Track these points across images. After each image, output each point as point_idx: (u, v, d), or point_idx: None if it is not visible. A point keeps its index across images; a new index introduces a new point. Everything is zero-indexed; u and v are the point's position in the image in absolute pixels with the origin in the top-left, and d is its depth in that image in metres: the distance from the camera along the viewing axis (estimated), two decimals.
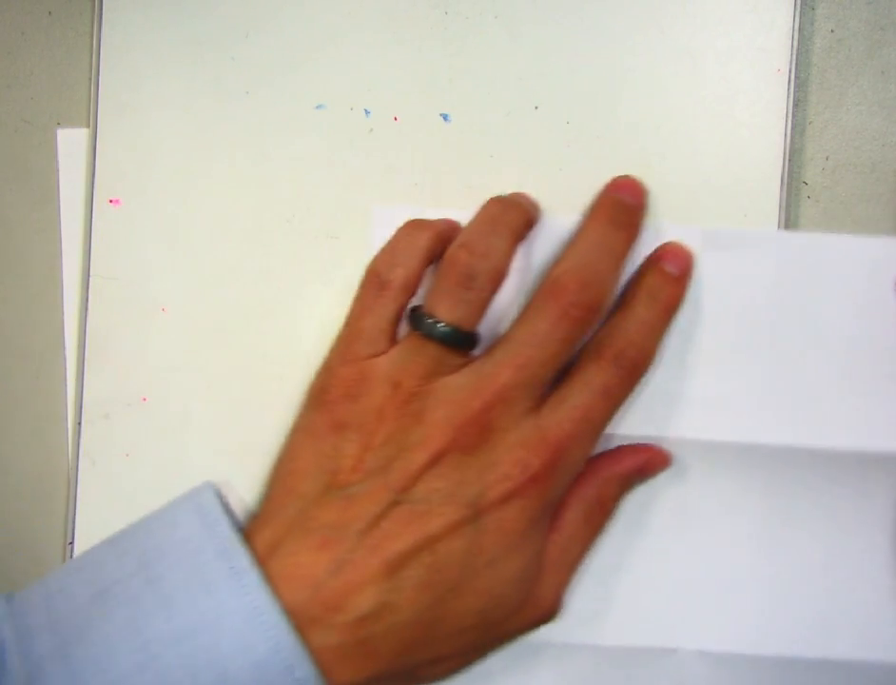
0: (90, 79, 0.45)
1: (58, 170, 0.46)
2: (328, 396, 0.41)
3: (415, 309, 0.41)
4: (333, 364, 0.41)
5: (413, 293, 0.41)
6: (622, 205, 0.42)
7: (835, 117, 0.44)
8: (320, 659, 0.37)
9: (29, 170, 0.46)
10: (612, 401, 0.40)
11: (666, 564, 0.44)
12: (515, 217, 0.41)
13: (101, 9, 0.44)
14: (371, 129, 0.44)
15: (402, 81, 0.44)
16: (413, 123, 0.44)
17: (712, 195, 0.43)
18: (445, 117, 0.44)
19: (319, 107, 0.44)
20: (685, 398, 0.43)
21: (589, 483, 0.42)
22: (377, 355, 0.40)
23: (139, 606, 0.37)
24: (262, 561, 0.38)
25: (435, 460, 0.39)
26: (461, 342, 0.40)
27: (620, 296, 0.42)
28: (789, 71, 0.43)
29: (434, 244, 0.41)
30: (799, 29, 0.43)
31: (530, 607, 0.40)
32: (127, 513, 0.44)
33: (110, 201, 0.45)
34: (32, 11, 0.46)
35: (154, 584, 0.38)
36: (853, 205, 0.44)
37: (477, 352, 0.41)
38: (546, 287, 0.40)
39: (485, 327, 0.41)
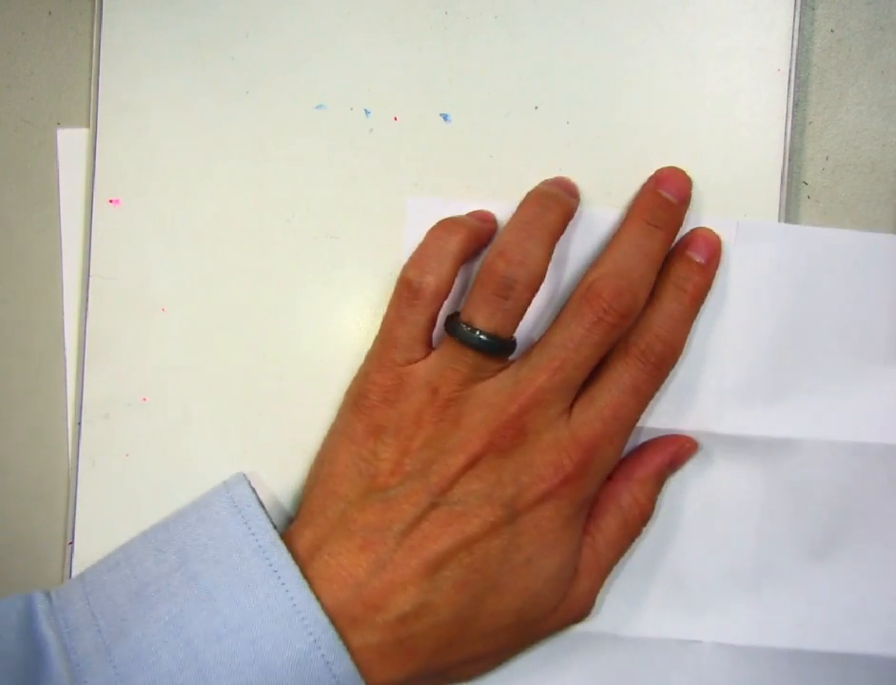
0: (90, 79, 0.45)
1: (58, 170, 0.46)
2: (366, 401, 0.41)
3: (452, 317, 0.41)
4: (370, 370, 0.42)
5: (445, 298, 0.42)
6: (663, 203, 0.42)
7: (835, 117, 0.44)
8: (359, 657, 0.38)
9: (29, 170, 0.46)
10: (641, 397, 0.41)
11: (688, 557, 0.44)
12: (552, 219, 0.41)
13: (101, 8, 0.44)
14: (371, 129, 0.44)
15: (402, 81, 0.44)
16: (413, 123, 0.44)
17: (713, 194, 0.43)
18: (445, 117, 0.44)
19: (319, 107, 0.44)
20: (708, 390, 0.43)
21: (623, 488, 0.42)
22: (413, 361, 0.41)
23: (179, 604, 0.38)
24: (304, 562, 0.39)
25: (472, 463, 0.39)
26: (499, 349, 0.40)
27: None
28: (789, 71, 0.43)
29: (466, 246, 0.42)
30: (799, 28, 0.43)
31: (564, 608, 0.41)
32: (127, 513, 0.45)
33: (110, 201, 0.45)
34: (32, 11, 0.46)
35: (194, 581, 0.38)
36: (853, 205, 0.44)
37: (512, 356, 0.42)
38: (581, 293, 0.40)
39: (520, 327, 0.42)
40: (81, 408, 0.45)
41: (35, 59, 0.46)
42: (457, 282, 0.42)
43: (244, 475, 0.43)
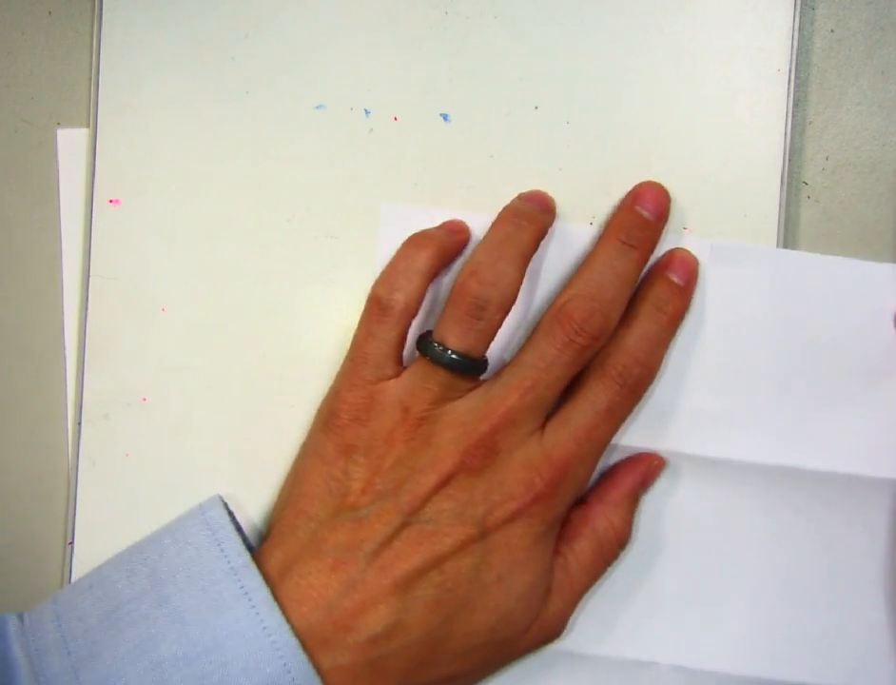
0: (90, 79, 0.45)
1: (58, 170, 0.46)
2: (337, 420, 0.41)
3: (424, 336, 0.41)
4: (340, 389, 0.42)
5: (414, 315, 0.42)
6: (639, 222, 0.42)
7: (835, 117, 0.44)
8: (330, 680, 0.37)
9: (29, 170, 0.46)
10: (615, 419, 0.41)
11: (651, 577, 0.44)
12: (525, 238, 0.41)
13: (101, 8, 0.44)
14: (371, 129, 0.44)
15: (402, 81, 0.44)
16: (413, 123, 0.44)
17: (712, 195, 0.43)
18: (445, 117, 0.44)
19: (319, 107, 0.44)
20: (681, 411, 0.43)
21: (598, 511, 0.42)
22: (383, 379, 0.41)
23: (149, 626, 0.38)
24: (274, 583, 0.39)
25: (444, 482, 0.39)
26: (471, 369, 0.40)
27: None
28: (789, 71, 0.43)
29: (435, 262, 0.42)
30: (799, 28, 0.43)
31: (536, 627, 0.41)
32: (128, 513, 0.45)
33: (110, 201, 0.45)
34: (32, 11, 0.46)
35: (164, 604, 0.38)
36: (853, 205, 0.44)
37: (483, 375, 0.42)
38: (553, 313, 0.41)
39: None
40: (81, 408, 0.45)
41: (35, 59, 0.46)
42: (427, 297, 0.42)
43: (220, 497, 0.42)
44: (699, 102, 0.43)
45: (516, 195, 0.43)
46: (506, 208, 0.42)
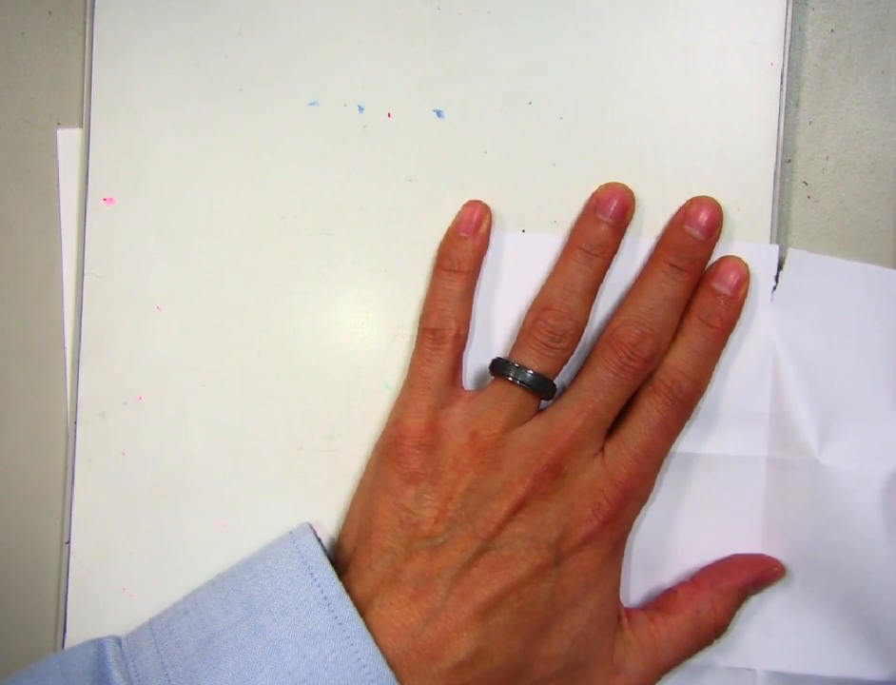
0: (83, 78, 0.45)
1: (58, 170, 0.46)
2: (400, 449, 0.42)
3: (498, 360, 0.42)
4: (402, 417, 0.42)
5: (466, 338, 0.43)
6: (689, 243, 0.42)
7: (835, 117, 0.44)
8: None
9: (29, 170, 0.46)
10: (669, 434, 0.41)
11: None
12: (593, 271, 0.42)
13: (93, 7, 0.45)
14: (365, 126, 0.44)
15: (396, 77, 0.44)
16: (406, 119, 0.44)
17: (706, 188, 0.43)
18: (439, 113, 0.44)
19: (312, 103, 0.44)
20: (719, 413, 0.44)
21: (705, 595, 0.43)
22: (446, 406, 0.42)
23: (246, 656, 0.38)
24: (364, 612, 0.39)
25: (517, 507, 0.40)
26: (546, 388, 0.41)
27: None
28: (783, 65, 0.42)
29: (470, 284, 0.43)
30: (792, 21, 0.43)
31: (613, 671, 0.41)
32: (124, 511, 0.45)
33: (104, 199, 0.45)
34: (32, 11, 0.46)
35: (260, 634, 0.38)
36: (853, 205, 0.44)
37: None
38: (605, 339, 0.41)
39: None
40: (77, 407, 0.45)
41: (35, 59, 0.46)
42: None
43: (310, 525, 0.43)
44: (692, 96, 0.43)
45: (599, 189, 0.43)
46: (579, 231, 0.43)
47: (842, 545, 0.43)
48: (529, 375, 0.41)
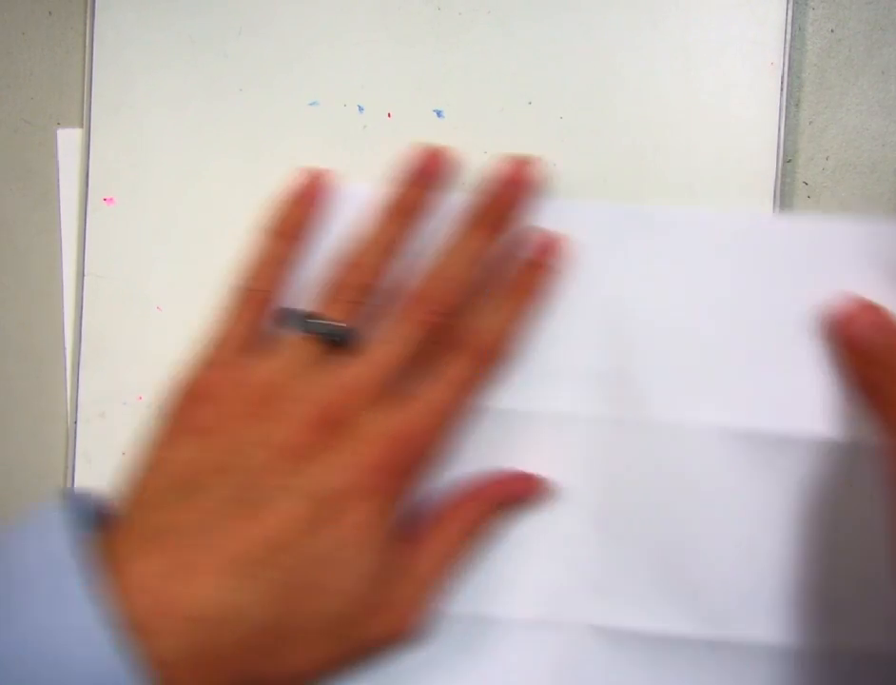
0: (83, 78, 0.45)
1: (58, 170, 0.46)
2: (183, 402, 0.40)
3: (295, 310, 0.41)
4: (194, 370, 0.41)
5: (276, 303, 0.42)
6: (492, 204, 0.42)
7: (835, 117, 0.44)
8: (162, 668, 0.35)
9: (29, 170, 0.46)
10: (465, 393, 0.41)
11: (574, 539, 0.44)
12: (398, 229, 0.42)
13: (94, 7, 0.45)
14: (365, 126, 0.44)
15: (396, 77, 0.44)
16: (406, 119, 0.44)
17: (707, 187, 0.43)
18: (439, 113, 0.44)
19: (312, 104, 0.44)
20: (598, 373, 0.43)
21: (470, 504, 0.42)
22: (238, 364, 0.41)
23: None
24: (104, 573, 0.36)
25: (289, 459, 0.38)
26: (342, 339, 0.40)
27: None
28: (783, 64, 0.42)
29: (295, 251, 0.43)
30: (792, 21, 0.43)
31: (386, 613, 0.39)
32: None
33: (104, 199, 0.45)
34: (32, 11, 0.46)
35: None
36: (853, 205, 0.44)
37: None
38: (407, 294, 0.41)
39: None
40: (77, 407, 0.45)
41: (35, 59, 0.46)
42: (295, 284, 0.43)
43: (64, 489, 0.41)
44: (693, 95, 0.43)
45: (414, 150, 0.43)
46: (391, 197, 0.43)
47: (665, 503, 0.43)
48: (323, 325, 0.40)
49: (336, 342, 0.40)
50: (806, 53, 0.44)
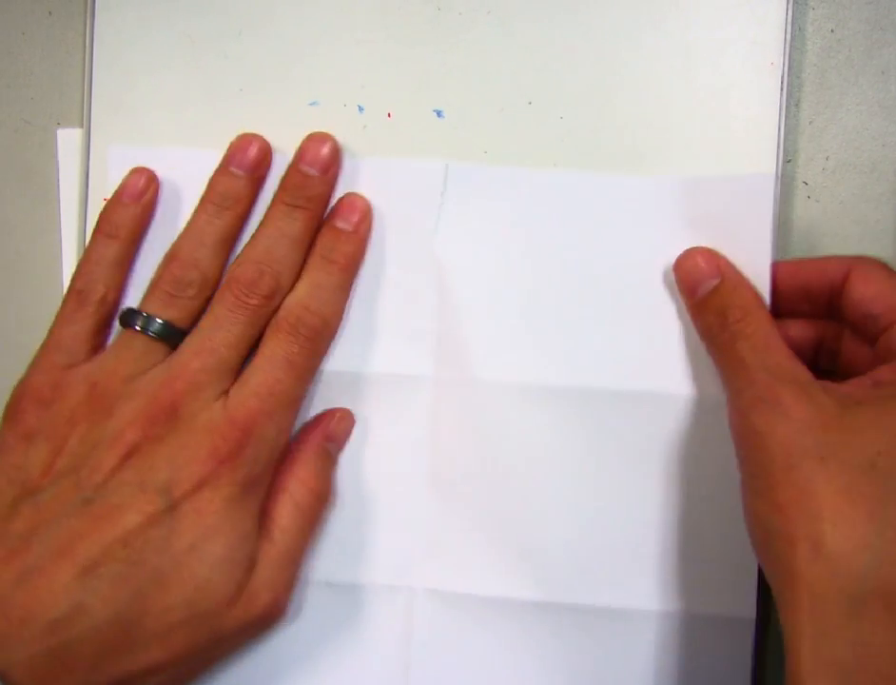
0: (83, 78, 0.45)
1: (58, 170, 0.46)
2: (18, 406, 0.40)
3: (127, 309, 0.42)
4: (27, 376, 0.41)
5: (114, 305, 0.43)
6: (302, 181, 0.42)
7: (835, 117, 0.44)
8: (12, 677, 0.35)
9: (29, 170, 0.46)
10: (297, 371, 0.41)
11: (411, 501, 0.44)
12: (222, 224, 0.42)
13: (93, 7, 0.45)
14: (365, 126, 0.44)
15: (396, 77, 0.44)
16: (407, 119, 0.44)
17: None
18: (439, 113, 0.44)
19: (312, 104, 0.44)
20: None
21: (288, 475, 0.42)
22: (75, 365, 0.41)
23: None
24: None
25: (126, 454, 0.38)
26: (172, 336, 0.41)
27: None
28: (783, 64, 0.42)
29: (126, 251, 0.43)
30: (792, 21, 0.43)
31: (244, 601, 0.39)
32: None
33: (105, 199, 0.45)
34: (32, 11, 0.46)
35: None
36: (853, 205, 0.44)
37: None
38: (226, 279, 0.41)
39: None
40: None
41: (35, 59, 0.46)
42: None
43: None
44: (693, 95, 0.43)
45: (234, 140, 0.43)
46: (211, 184, 0.43)
47: (497, 461, 0.43)
48: (154, 322, 0.40)
49: (159, 336, 0.41)
50: (806, 53, 0.44)
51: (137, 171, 0.43)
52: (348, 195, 0.43)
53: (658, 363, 0.43)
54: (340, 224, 0.42)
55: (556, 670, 0.44)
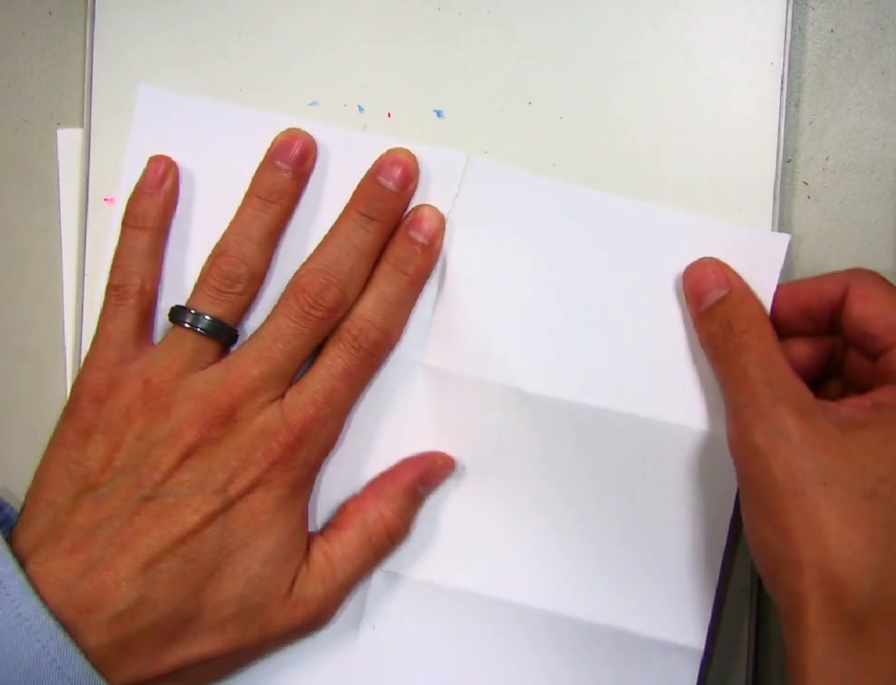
0: (83, 78, 0.45)
1: (58, 170, 0.46)
2: (77, 403, 0.41)
3: (176, 306, 0.42)
4: (81, 374, 0.42)
5: (153, 294, 0.43)
6: (379, 193, 0.42)
7: (835, 117, 0.44)
8: (92, 659, 0.37)
9: (29, 170, 0.47)
10: (353, 382, 0.41)
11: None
12: (269, 219, 0.42)
13: (93, 7, 0.45)
14: (365, 126, 0.44)
15: (396, 77, 0.44)
16: (406, 119, 0.44)
17: (707, 188, 0.43)
18: (439, 113, 0.44)
19: (312, 103, 0.44)
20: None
21: (371, 504, 0.42)
22: (127, 360, 0.42)
23: None
24: (24, 572, 0.38)
25: (184, 454, 0.40)
26: (223, 333, 0.41)
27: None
28: (783, 64, 0.42)
29: (157, 240, 0.43)
30: (792, 21, 0.43)
31: (293, 603, 0.41)
32: None
33: (105, 199, 0.45)
34: (32, 11, 0.46)
35: None
36: (853, 205, 0.44)
37: None
38: (290, 288, 0.41)
39: None
40: None
41: (35, 59, 0.46)
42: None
43: None
44: (693, 95, 0.43)
45: (278, 135, 0.43)
46: (257, 178, 0.43)
47: (472, 456, 0.44)
48: (204, 320, 0.41)
49: (207, 333, 0.41)
50: (806, 53, 0.44)
51: (155, 159, 0.44)
52: (426, 207, 0.43)
53: (644, 387, 0.43)
54: (416, 235, 0.42)
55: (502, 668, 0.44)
